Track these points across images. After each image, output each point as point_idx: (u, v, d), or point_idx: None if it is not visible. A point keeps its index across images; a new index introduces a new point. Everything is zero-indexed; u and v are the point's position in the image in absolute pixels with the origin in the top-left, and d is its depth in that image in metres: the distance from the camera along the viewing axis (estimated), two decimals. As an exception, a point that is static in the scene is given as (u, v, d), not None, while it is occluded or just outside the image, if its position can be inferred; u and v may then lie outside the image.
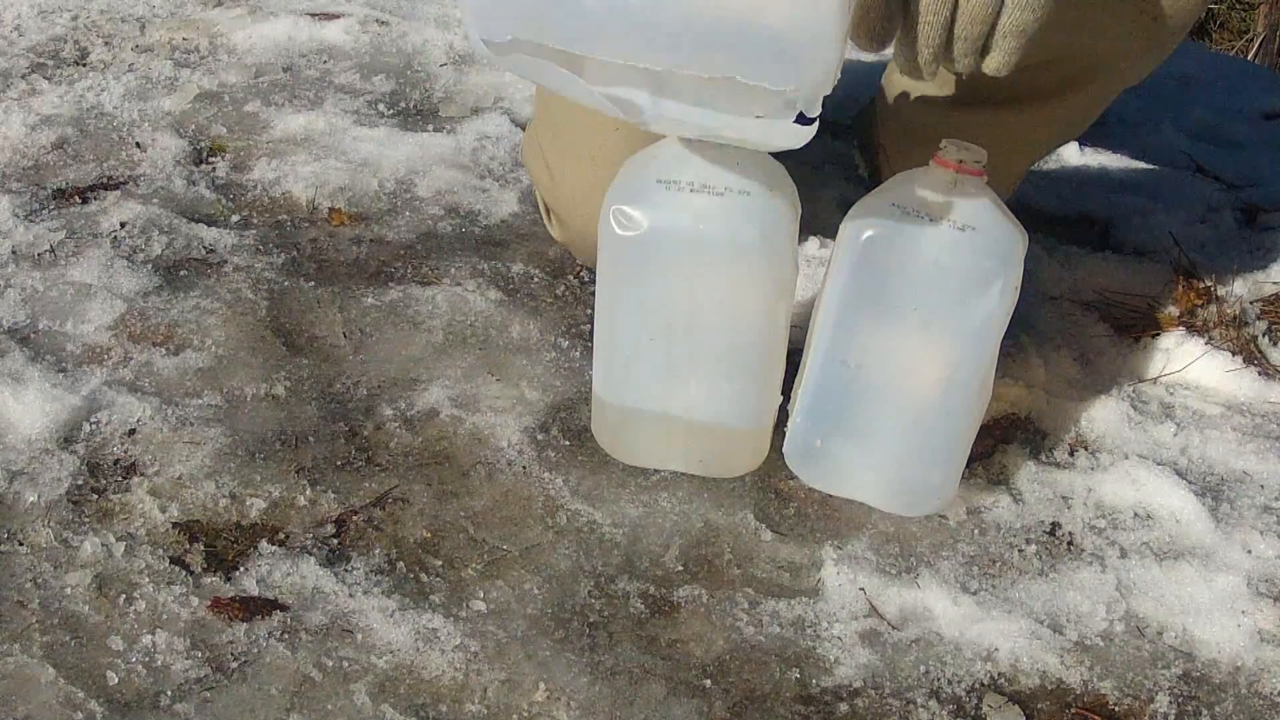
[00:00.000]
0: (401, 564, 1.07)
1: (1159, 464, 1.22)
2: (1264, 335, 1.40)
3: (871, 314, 1.07)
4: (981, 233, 1.03)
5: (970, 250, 1.03)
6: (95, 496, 1.11)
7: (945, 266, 1.03)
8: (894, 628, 1.05)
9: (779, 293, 1.08)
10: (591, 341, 1.32)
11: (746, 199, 1.03)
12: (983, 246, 1.03)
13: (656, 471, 1.18)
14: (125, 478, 1.13)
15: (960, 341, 1.06)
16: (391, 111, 1.74)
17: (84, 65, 1.81)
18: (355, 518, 1.11)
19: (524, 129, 1.69)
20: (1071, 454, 1.25)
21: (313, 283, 1.37)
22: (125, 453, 1.16)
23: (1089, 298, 1.47)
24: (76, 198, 1.51)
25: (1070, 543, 1.15)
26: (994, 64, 0.96)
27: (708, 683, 0.99)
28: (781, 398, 1.16)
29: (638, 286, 1.08)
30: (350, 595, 1.04)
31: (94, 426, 1.18)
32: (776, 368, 1.13)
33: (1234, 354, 1.37)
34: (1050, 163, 1.78)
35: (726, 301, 1.07)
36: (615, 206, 1.04)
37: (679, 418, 1.13)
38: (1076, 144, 1.84)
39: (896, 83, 1.50)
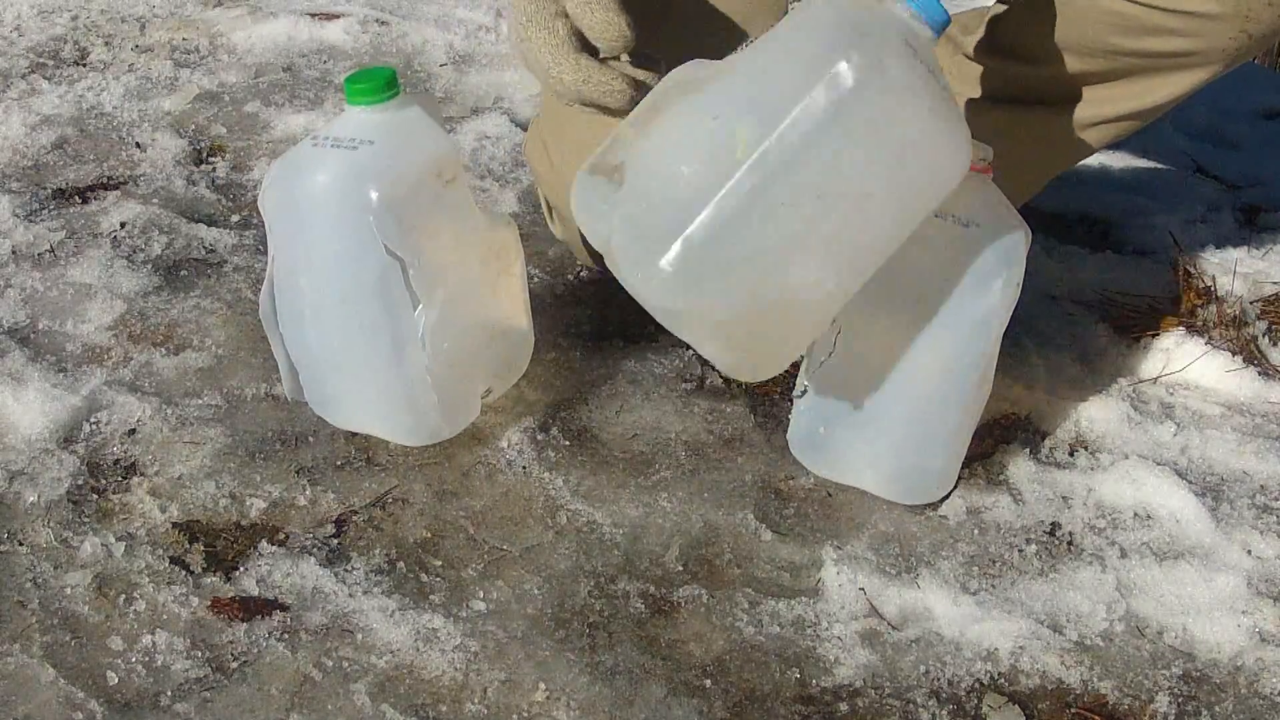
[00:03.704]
0: (401, 564, 1.07)
1: (1159, 464, 1.22)
2: (1264, 335, 1.40)
3: (876, 305, 1.07)
4: (985, 229, 1.04)
5: (974, 246, 1.04)
6: (95, 496, 1.11)
7: (949, 261, 1.04)
8: (894, 628, 1.05)
9: None
10: (591, 341, 1.32)
11: None
12: (986, 242, 1.04)
13: (656, 471, 1.18)
14: (125, 478, 1.13)
15: (962, 335, 1.07)
16: (391, 111, 1.74)
17: (84, 65, 1.81)
18: (355, 518, 1.11)
19: (524, 129, 1.69)
20: (1071, 454, 1.25)
21: (313, 283, 1.37)
22: (125, 453, 1.16)
23: (1089, 298, 1.47)
24: (76, 198, 1.51)
25: (1070, 543, 1.15)
26: None
27: (708, 683, 0.99)
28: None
29: None
30: (350, 595, 1.04)
31: (94, 426, 1.18)
32: None
33: (1234, 354, 1.37)
34: (1050, 163, 1.78)
35: None
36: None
37: None
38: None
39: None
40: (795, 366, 1.26)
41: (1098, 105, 1.27)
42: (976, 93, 1.34)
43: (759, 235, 0.94)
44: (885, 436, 1.13)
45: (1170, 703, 1.01)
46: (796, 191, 0.94)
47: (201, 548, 1.07)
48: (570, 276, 1.44)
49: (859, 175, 0.95)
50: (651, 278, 0.94)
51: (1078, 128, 1.29)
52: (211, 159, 1.62)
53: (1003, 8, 1.31)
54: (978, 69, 1.33)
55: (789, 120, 0.93)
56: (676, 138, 0.96)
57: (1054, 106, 1.29)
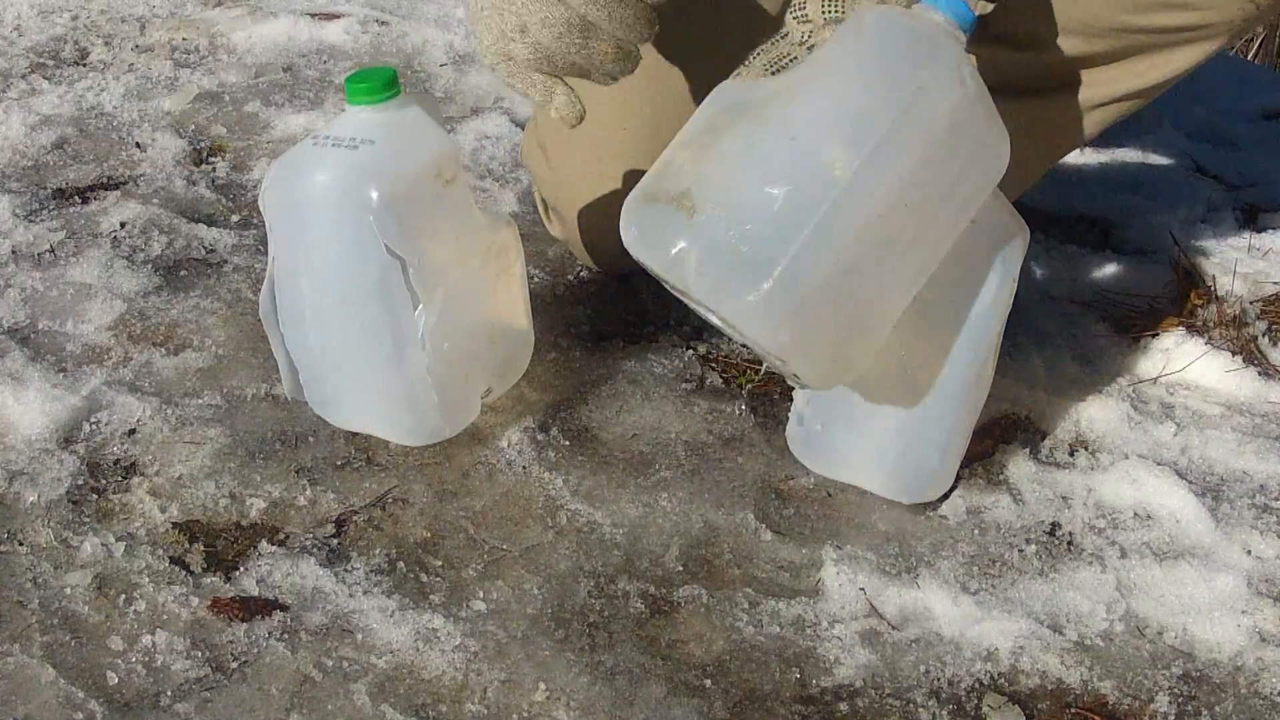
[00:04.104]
0: (401, 564, 1.07)
1: (1159, 464, 1.22)
2: (1264, 335, 1.40)
3: None
4: (983, 227, 1.04)
5: (972, 244, 1.04)
6: (95, 496, 1.11)
7: (947, 259, 1.04)
8: (894, 628, 1.05)
9: None
10: (591, 341, 1.32)
11: None
12: (984, 240, 1.04)
13: (656, 471, 1.18)
14: (125, 478, 1.13)
15: (959, 333, 1.07)
16: (391, 111, 1.74)
17: (84, 65, 1.81)
18: (355, 518, 1.11)
19: (524, 129, 1.69)
20: (1071, 454, 1.25)
21: (313, 283, 1.37)
22: (125, 453, 1.16)
23: (1089, 298, 1.47)
24: (76, 198, 1.51)
25: (1070, 543, 1.15)
26: None
27: (708, 683, 0.99)
28: None
29: None
30: (350, 595, 1.04)
31: (94, 426, 1.18)
32: None
33: (1234, 354, 1.37)
34: (1050, 163, 1.78)
35: None
36: None
37: None
38: (1076, 144, 1.84)
39: None
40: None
41: (1101, 86, 1.25)
42: None
43: (855, 250, 0.95)
44: (884, 435, 1.13)
45: (1170, 703, 1.01)
46: (889, 204, 0.95)
47: (201, 548, 1.07)
48: (570, 276, 1.44)
49: (939, 182, 0.97)
50: (752, 303, 0.94)
51: (1080, 111, 1.28)
52: (211, 159, 1.62)
53: (990, 6, 1.30)
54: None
55: (882, 135, 0.94)
56: (756, 161, 0.96)
57: (1055, 92, 1.27)
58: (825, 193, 0.93)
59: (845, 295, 0.97)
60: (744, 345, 1.04)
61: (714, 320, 1.01)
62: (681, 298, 1.03)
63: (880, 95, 0.96)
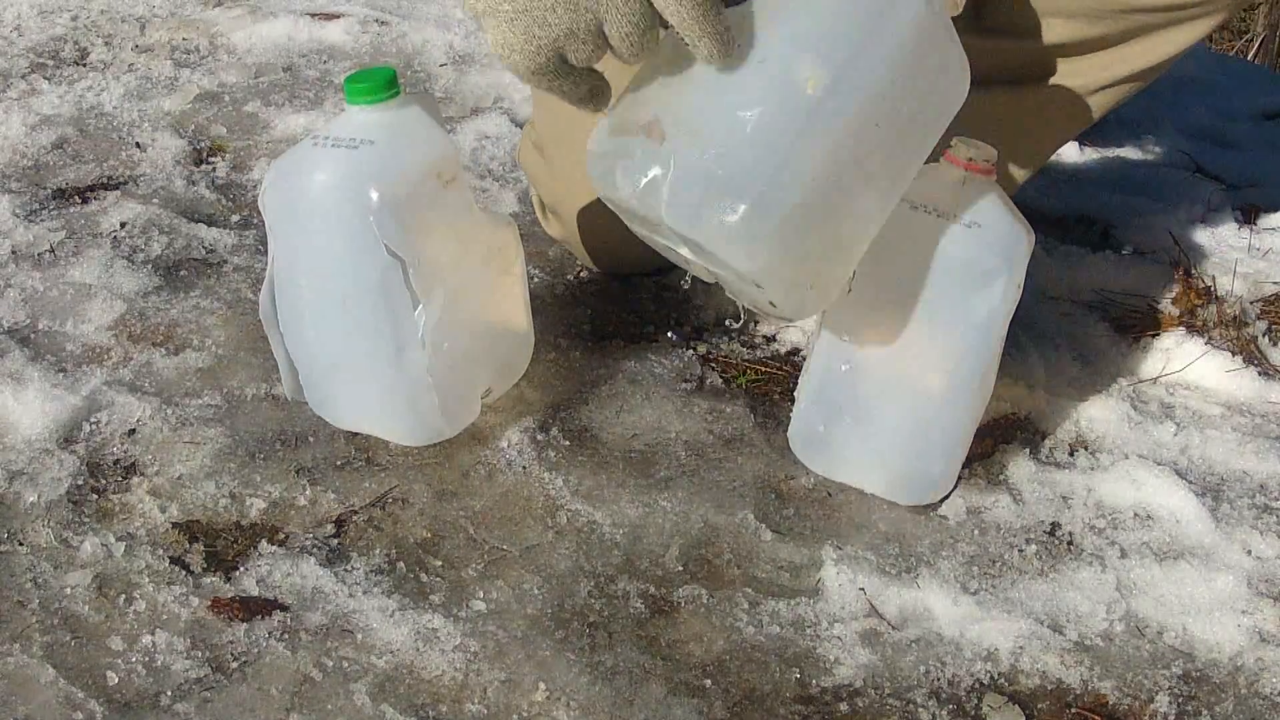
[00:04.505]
0: (401, 564, 1.07)
1: (1159, 464, 1.22)
2: (1264, 335, 1.40)
3: (877, 305, 1.07)
4: (987, 230, 1.04)
5: (976, 247, 1.04)
6: (95, 496, 1.11)
7: (951, 262, 1.04)
8: (894, 628, 1.05)
9: None
10: (591, 341, 1.32)
11: None
12: (988, 243, 1.04)
13: (656, 471, 1.18)
14: (125, 478, 1.13)
15: (963, 336, 1.07)
16: (391, 111, 1.74)
17: (84, 65, 1.81)
18: (355, 518, 1.11)
19: (524, 129, 1.69)
20: (1071, 454, 1.25)
21: (313, 283, 1.37)
22: (125, 453, 1.16)
23: (1089, 298, 1.47)
24: (76, 198, 1.51)
25: (1070, 543, 1.15)
26: None
27: (708, 683, 0.99)
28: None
29: None
30: (350, 595, 1.04)
31: (94, 426, 1.18)
32: None
33: (1234, 354, 1.37)
34: (1050, 162, 1.78)
35: None
36: None
37: None
38: (1076, 144, 1.85)
39: None
40: (796, 367, 1.27)
41: (1104, 69, 1.25)
42: None
43: (830, 170, 0.94)
44: (886, 437, 1.13)
45: (1170, 703, 1.01)
46: (861, 121, 0.95)
47: (201, 548, 1.07)
48: (570, 276, 1.44)
49: (907, 100, 0.97)
50: (731, 225, 0.92)
51: (1085, 93, 1.28)
52: (211, 159, 1.62)
53: None
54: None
55: (852, 51, 0.94)
56: (726, 85, 0.94)
57: (1059, 77, 1.27)
58: (799, 110, 0.93)
59: (821, 216, 0.96)
60: (715, 282, 1.02)
61: (683, 254, 0.99)
62: (649, 237, 1.01)
63: (847, 12, 0.95)
